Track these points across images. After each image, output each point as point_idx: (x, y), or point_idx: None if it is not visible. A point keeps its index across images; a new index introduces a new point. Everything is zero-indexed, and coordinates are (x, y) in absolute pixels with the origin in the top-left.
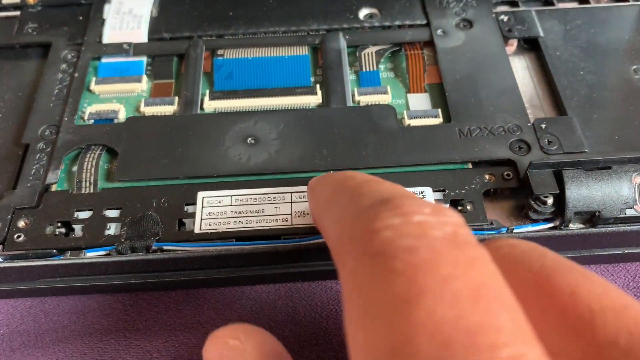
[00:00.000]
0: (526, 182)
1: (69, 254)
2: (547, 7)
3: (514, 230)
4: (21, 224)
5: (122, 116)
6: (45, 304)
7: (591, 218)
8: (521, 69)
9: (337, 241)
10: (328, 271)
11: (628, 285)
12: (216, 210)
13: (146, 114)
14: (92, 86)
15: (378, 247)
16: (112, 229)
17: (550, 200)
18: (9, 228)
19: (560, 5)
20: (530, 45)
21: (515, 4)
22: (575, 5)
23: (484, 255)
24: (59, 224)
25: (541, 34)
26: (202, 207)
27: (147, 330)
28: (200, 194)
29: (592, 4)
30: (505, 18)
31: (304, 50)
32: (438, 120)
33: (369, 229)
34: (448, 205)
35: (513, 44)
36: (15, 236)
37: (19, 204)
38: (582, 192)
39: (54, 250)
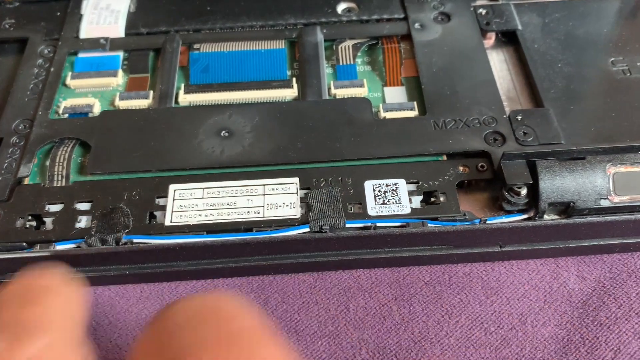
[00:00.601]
0: (500, 173)
1: (38, 246)
2: (525, 0)
3: (487, 222)
4: None
5: (97, 110)
6: None
7: (566, 209)
8: (499, 62)
9: None
10: (300, 264)
11: (604, 276)
12: (187, 202)
13: (121, 108)
14: (68, 81)
15: None
16: (82, 222)
17: (524, 191)
18: None
19: None
20: (509, 39)
21: None
22: None
23: None
24: (30, 217)
25: (519, 27)
26: (174, 199)
27: (117, 323)
28: (172, 187)
29: None
30: (484, 11)
31: (280, 44)
32: (413, 113)
33: None
34: (421, 196)
35: (491, 37)
36: None
37: None
38: (556, 182)
39: (24, 243)
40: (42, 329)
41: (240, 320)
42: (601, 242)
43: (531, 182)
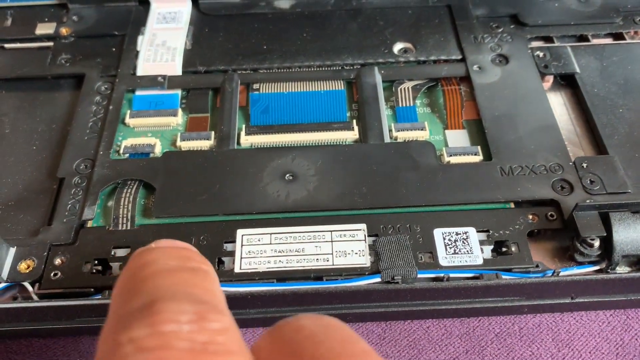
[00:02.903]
0: (571, 223)
1: (107, 293)
2: (582, 43)
3: (560, 273)
4: (57, 261)
5: (158, 150)
6: (80, 343)
7: (638, 261)
8: (558, 106)
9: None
10: (369, 313)
11: None
12: (256, 248)
13: (182, 149)
14: (127, 119)
15: None
16: None
17: (596, 243)
18: (45, 265)
19: (595, 41)
20: (567, 82)
21: (550, 40)
22: (610, 41)
23: None
24: (96, 262)
25: (577, 70)
26: (242, 245)
27: None
28: (240, 232)
29: (628, 40)
30: (541, 54)
31: (339, 85)
32: (478, 158)
33: (115, 341)
34: (492, 246)
35: (549, 80)
36: (52, 274)
37: (55, 241)
38: (630, 235)
39: (92, 289)
40: (223, 312)
41: (362, 344)
42: None
43: (605, 235)
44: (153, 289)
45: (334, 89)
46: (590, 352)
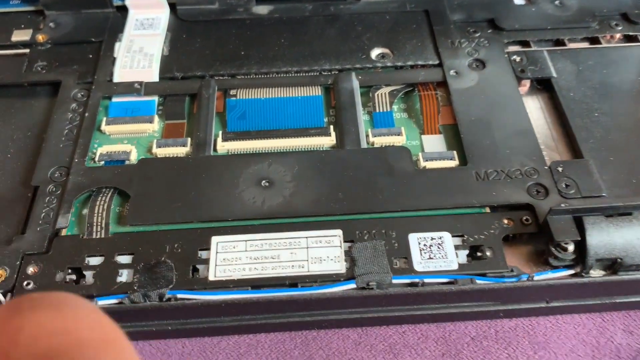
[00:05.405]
0: (546, 227)
1: None
2: (558, 47)
3: (535, 278)
4: (30, 270)
5: (133, 157)
6: None
7: (612, 265)
8: (535, 110)
9: None
10: (344, 319)
11: None
12: (231, 256)
13: (158, 155)
14: (103, 126)
15: None
16: (124, 276)
17: (571, 247)
18: (17, 274)
19: (572, 46)
20: (543, 86)
21: (527, 44)
22: (586, 45)
23: None
24: (70, 271)
25: (554, 74)
26: (217, 252)
27: None
28: (215, 239)
29: (603, 44)
30: (518, 58)
31: (317, 91)
32: (454, 163)
33: None
34: (467, 251)
35: (526, 85)
36: (25, 283)
37: (28, 250)
38: (603, 238)
39: None
40: None
41: None
42: None
43: (579, 239)
44: None
45: (311, 94)
46: (566, 355)
